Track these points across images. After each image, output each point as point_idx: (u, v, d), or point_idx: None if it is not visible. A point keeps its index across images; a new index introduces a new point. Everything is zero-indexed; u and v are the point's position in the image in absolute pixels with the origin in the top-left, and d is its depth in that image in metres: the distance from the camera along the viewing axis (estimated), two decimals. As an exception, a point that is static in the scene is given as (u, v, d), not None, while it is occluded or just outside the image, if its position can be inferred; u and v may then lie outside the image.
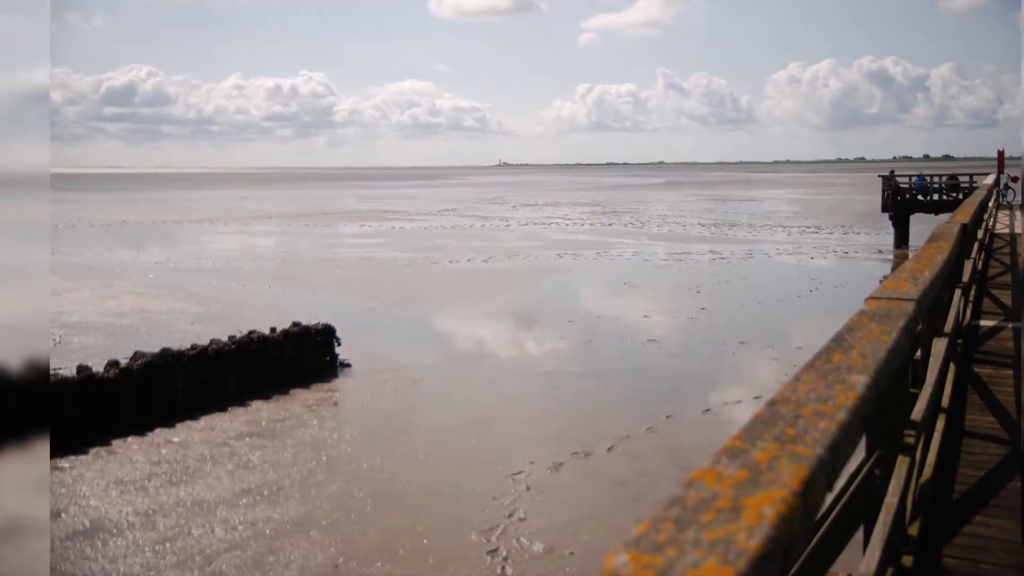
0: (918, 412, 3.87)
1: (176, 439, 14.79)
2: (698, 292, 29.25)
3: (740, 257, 39.80)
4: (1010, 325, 9.35)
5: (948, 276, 5.57)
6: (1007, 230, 20.87)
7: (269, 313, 24.19)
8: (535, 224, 63.07)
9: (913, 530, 4.03)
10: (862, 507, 2.75)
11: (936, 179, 43.28)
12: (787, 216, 69.82)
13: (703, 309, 25.99)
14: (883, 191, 42.20)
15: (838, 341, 2.16)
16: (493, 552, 10.22)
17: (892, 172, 42.79)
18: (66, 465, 13.50)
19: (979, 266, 12.05)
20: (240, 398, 16.93)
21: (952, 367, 6.78)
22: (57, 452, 13.67)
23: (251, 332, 18.46)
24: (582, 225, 61.61)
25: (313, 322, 19.69)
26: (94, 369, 15.80)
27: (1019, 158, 41.89)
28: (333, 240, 51.21)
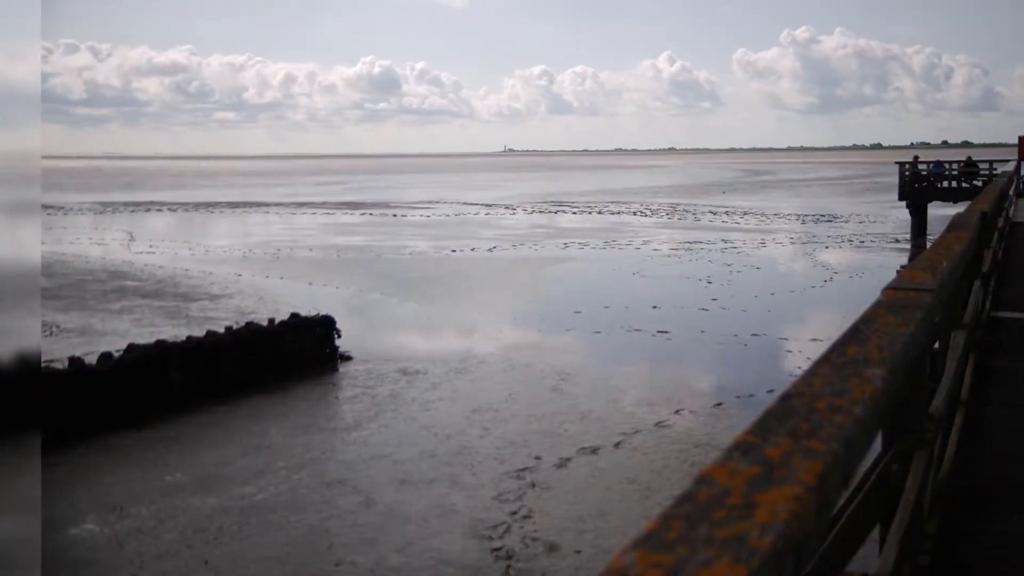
0: (936, 406, 3.86)
1: (172, 434, 14.82)
2: (709, 283, 29.22)
3: (753, 247, 39.74)
4: (1031, 316, 9.32)
5: (967, 266, 5.55)
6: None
7: (267, 304, 24.23)
8: (541, 213, 63.05)
9: (931, 528, 4.02)
10: (878, 504, 2.75)
11: (954, 165, 43.04)
12: (801, 205, 69.73)
13: (714, 300, 25.97)
14: (900, 178, 42.05)
15: (854, 333, 2.15)
16: (498, 551, 10.24)
17: (916, 157, 42.58)
18: (58, 461, 13.52)
19: (999, 256, 12.01)
20: (237, 391, 16.95)
21: (971, 359, 6.77)
22: (48, 447, 13.69)
23: (249, 324, 18.48)
24: (590, 214, 61.56)
25: (312, 313, 19.71)
26: (86, 361, 15.82)
27: None
28: (333, 230, 51.26)
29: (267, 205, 74.60)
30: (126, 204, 76.58)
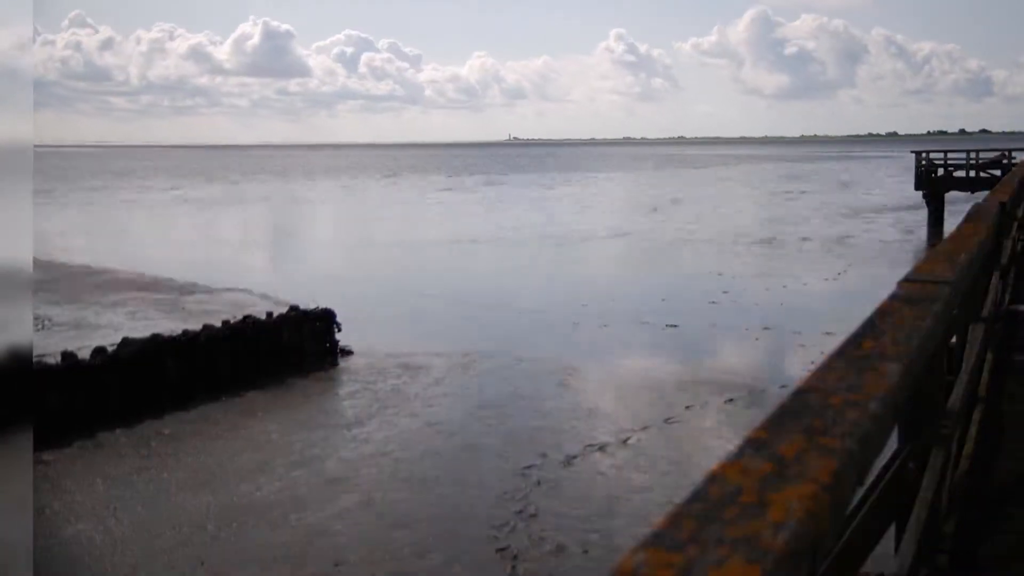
0: (954, 402, 3.85)
1: (166, 431, 14.84)
2: (720, 274, 29.19)
3: (765, 238, 39.68)
4: (1052, 310, 9.29)
5: (986, 258, 5.54)
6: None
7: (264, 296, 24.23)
8: (545, 200, 62.98)
9: (949, 527, 4.02)
10: (895, 502, 2.75)
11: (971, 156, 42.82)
12: (817, 194, 69.57)
13: (725, 292, 25.93)
14: (916, 168, 41.97)
15: (869, 326, 2.14)
16: (503, 551, 10.24)
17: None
18: (50, 459, 13.55)
19: (1019, 247, 11.97)
20: (234, 387, 16.97)
21: (990, 354, 6.76)
22: (40, 445, 13.71)
23: (246, 317, 18.49)
24: (596, 202, 61.48)
25: (312, 306, 19.71)
26: (79, 356, 15.85)
27: None
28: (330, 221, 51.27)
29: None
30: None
